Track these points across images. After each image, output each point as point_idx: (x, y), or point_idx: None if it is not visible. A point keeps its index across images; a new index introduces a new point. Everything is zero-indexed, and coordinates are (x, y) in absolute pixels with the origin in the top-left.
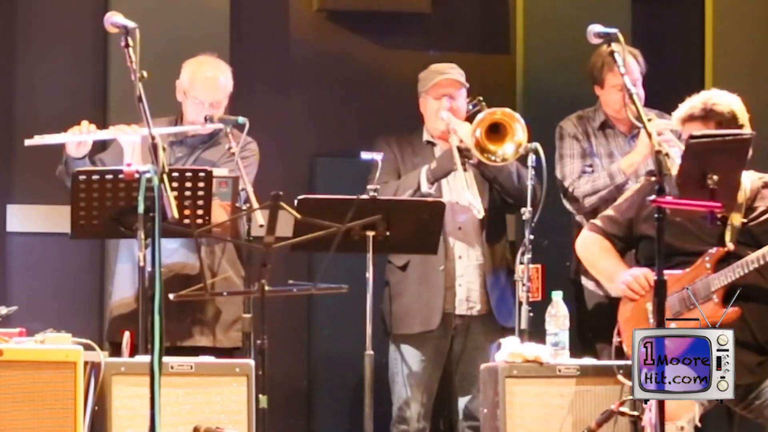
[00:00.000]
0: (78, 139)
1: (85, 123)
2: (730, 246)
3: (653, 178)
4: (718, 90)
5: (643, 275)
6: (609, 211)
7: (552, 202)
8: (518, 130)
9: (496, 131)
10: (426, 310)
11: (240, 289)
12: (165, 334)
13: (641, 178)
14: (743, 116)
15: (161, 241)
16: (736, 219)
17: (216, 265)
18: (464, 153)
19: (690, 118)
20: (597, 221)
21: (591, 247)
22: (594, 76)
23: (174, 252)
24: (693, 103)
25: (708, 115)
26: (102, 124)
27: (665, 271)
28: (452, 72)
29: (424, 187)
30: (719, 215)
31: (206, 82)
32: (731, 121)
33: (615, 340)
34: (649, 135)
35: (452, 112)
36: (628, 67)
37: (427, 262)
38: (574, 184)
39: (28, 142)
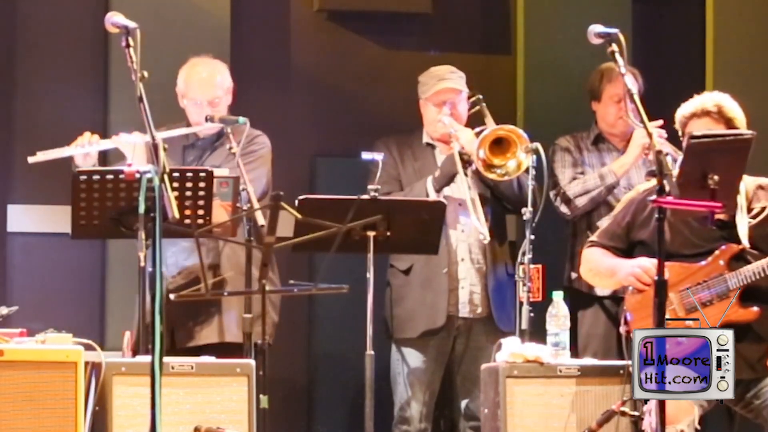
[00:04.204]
0: (81, 151)
1: (87, 134)
2: (746, 244)
3: (652, 179)
4: (722, 93)
5: (652, 264)
6: (605, 226)
7: (552, 203)
8: (522, 147)
9: (498, 144)
10: (430, 313)
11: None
12: (190, 334)
13: (634, 188)
14: (744, 122)
15: (177, 241)
16: (742, 219)
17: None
18: (465, 158)
19: (703, 113)
20: (594, 238)
21: (591, 257)
22: (592, 91)
23: (192, 254)
24: (704, 100)
25: (720, 112)
26: (102, 123)
27: (677, 262)
28: (452, 78)
29: (433, 197)
30: (718, 216)
31: (201, 82)
32: (740, 123)
33: (622, 329)
34: (650, 135)
35: (453, 118)
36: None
37: (431, 265)
38: (565, 187)
39: (31, 160)
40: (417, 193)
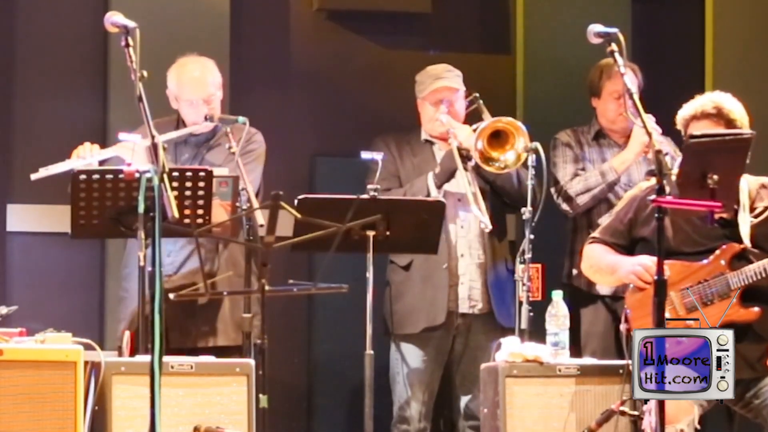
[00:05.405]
0: (82, 163)
1: (87, 144)
2: (747, 243)
3: (653, 178)
4: (723, 93)
5: (653, 263)
6: (606, 222)
7: (552, 202)
8: (520, 140)
9: (497, 137)
10: (431, 308)
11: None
12: (188, 335)
13: (636, 184)
14: (747, 121)
15: (163, 243)
16: (744, 218)
17: (215, 266)
18: (464, 153)
19: (702, 115)
20: (596, 234)
21: (592, 254)
22: (592, 87)
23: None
24: (703, 102)
25: (720, 113)
26: (102, 123)
27: (679, 261)
28: (449, 76)
29: (434, 193)
30: (718, 216)
31: (194, 81)
32: (741, 123)
33: (623, 327)
34: (650, 134)
35: (451, 116)
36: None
37: (431, 260)
38: (567, 185)
39: (34, 176)
40: (417, 189)
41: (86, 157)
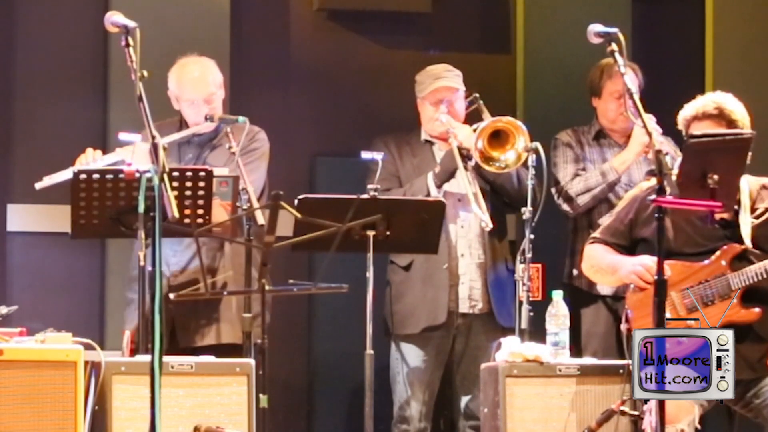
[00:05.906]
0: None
1: (89, 151)
2: (748, 244)
3: (654, 178)
4: (724, 93)
5: (653, 263)
6: (607, 222)
7: (552, 202)
8: (520, 139)
9: (497, 137)
10: (431, 308)
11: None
12: (196, 333)
13: (636, 184)
14: (748, 122)
15: (168, 242)
16: (745, 219)
17: (218, 264)
18: (464, 152)
19: (704, 116)
20: (596, 235)
21: (593, 253)
22: (592, 87)
23: (194, 257)
24: (705, 102)
25: (721, 114)
26: (102, 123)
27: (679, 261)
28: (449, 76)
29: (434, 193)
30: (718, 217)
31: (194, 81)
32: (742, 124)
33: (623, 327)
34: (650, 134)
35: (450, 116)
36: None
37: (431, 260)
38: (567, 185)
39: (38, 185)
40: (417, 188)
41: (90, 163)
